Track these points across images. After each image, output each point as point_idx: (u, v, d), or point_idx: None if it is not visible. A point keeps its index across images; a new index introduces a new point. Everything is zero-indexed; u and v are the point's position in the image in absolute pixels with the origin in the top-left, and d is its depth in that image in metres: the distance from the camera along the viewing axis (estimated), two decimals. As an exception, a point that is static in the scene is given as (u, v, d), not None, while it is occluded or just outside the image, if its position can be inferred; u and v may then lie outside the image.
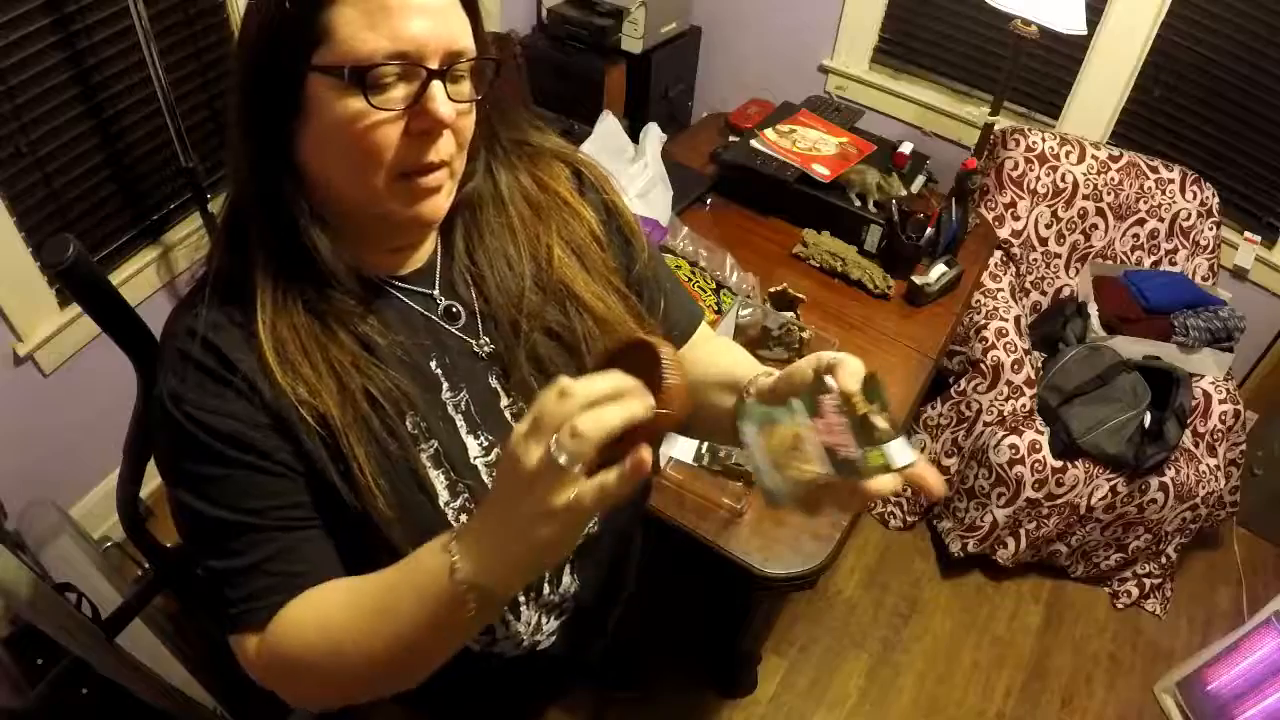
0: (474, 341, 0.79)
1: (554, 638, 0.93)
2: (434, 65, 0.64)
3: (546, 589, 0.88)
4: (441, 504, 0.74)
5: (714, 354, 0.92)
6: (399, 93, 0.64)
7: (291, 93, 0.64)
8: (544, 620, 0.90)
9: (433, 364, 0.76)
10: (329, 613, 0.66)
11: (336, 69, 0.62)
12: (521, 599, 0.86)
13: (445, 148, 0.68)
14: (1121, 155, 2.32)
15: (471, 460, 0.77)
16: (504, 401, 0.80)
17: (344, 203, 0.70)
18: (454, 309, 0.79)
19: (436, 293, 0.78)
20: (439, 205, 0.70)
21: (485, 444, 0.78)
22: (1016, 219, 2.31)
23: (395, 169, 0.66)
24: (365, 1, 0.61)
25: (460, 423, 0.77)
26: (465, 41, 0.66)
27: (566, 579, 0.89)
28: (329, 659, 0.65)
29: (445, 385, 0.77)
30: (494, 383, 0.79)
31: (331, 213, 0.71)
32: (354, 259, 0.73)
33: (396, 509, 0.70)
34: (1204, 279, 2.33)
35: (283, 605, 0.67)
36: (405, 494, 0.72)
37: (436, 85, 0.64)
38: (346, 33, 0.62)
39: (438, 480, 0.74)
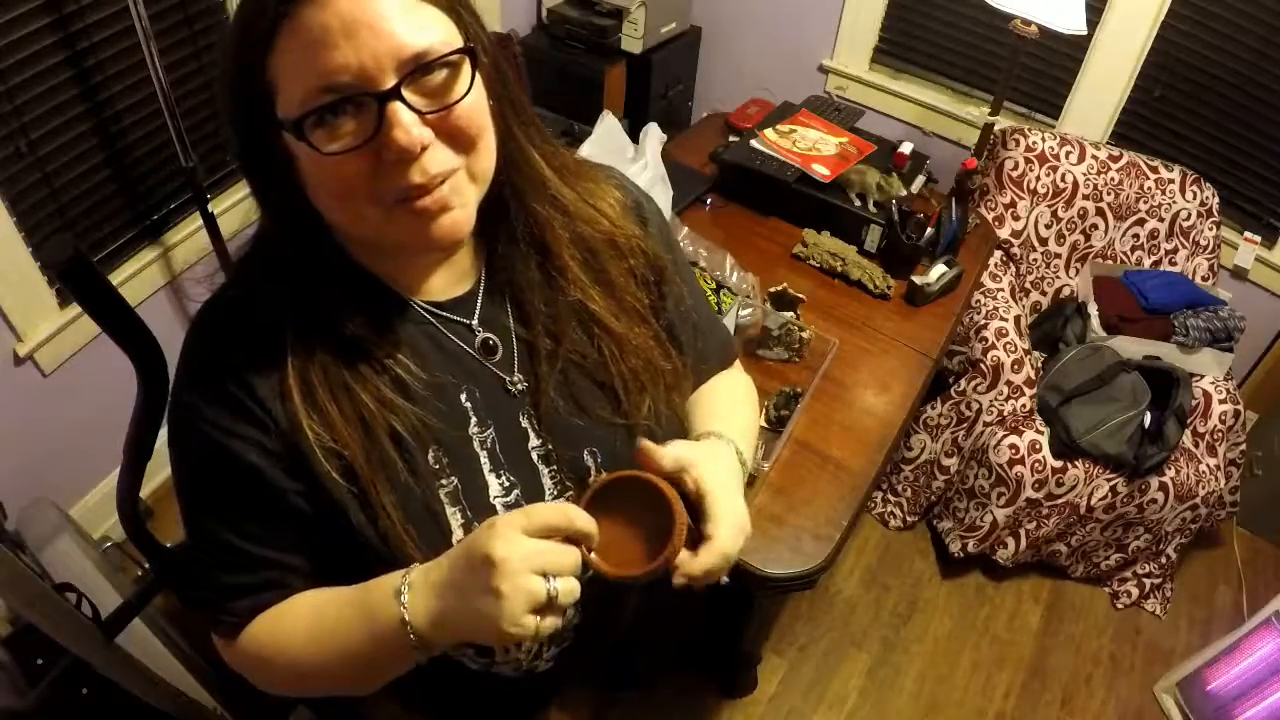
0: (508, 378, 0.76)
1: (552, 663, 0.93)
2: (386, 84, 0.56)
3: None
4: (454, 541, 0.72)
5: (711, 400, 0.94)
6: (356, 127, 0.58)
7: (273, 147, 0.62)
8: (544, 649, 0.90)
9: (462, 397, 0.74)
10: (286, 630, 0.72)
11: (285, 121, 0.58)
12: None
13: (437, 161, 0.61)
14: (1121, 155, 2.32)
15: (490, 500, 0.74)
16: (533, 442, 0.77)
17: (354, 236, 0.68)
18: (491, 342, 0.76)
19: (475, 323, 0.75)
20: (455, 222, 0.64)
21: (506, 484, 0.75)
22: (1016, 219, 2.31)
23: (385, 200, 0.61)
24: (292, 42, 0.56)
25: (484, 460, 0.74)
26: (423, 41, 0.58)
27: (570, 612, 0.88)
28: (283, 666, 0.73)
29: (473, 420, 0.74)
30: (524, 422, 0.77)
31: (360, 241, 0.69)
32: (394, 282, 0.72)
33: (419, 552, 0.70)
34: (1204, 279, 2.33)
35: (251, 621, 0.73)
36: (421, 532, 0.71)
37: (394, 108, 0.57)
38: (286, 82, 0.58)
39: (453, 518, 0.72)
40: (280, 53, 0.57)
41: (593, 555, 0.64)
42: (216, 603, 0.73)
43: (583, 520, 0.62)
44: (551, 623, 0.60)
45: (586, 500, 0.67)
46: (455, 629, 0.63)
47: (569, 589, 0.60)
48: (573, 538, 0.63)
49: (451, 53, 0.60)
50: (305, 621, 0.71)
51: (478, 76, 0.62)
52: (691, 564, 0.68)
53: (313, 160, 0.59)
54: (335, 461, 0.67)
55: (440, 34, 0.59)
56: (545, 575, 0.60)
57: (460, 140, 0.62)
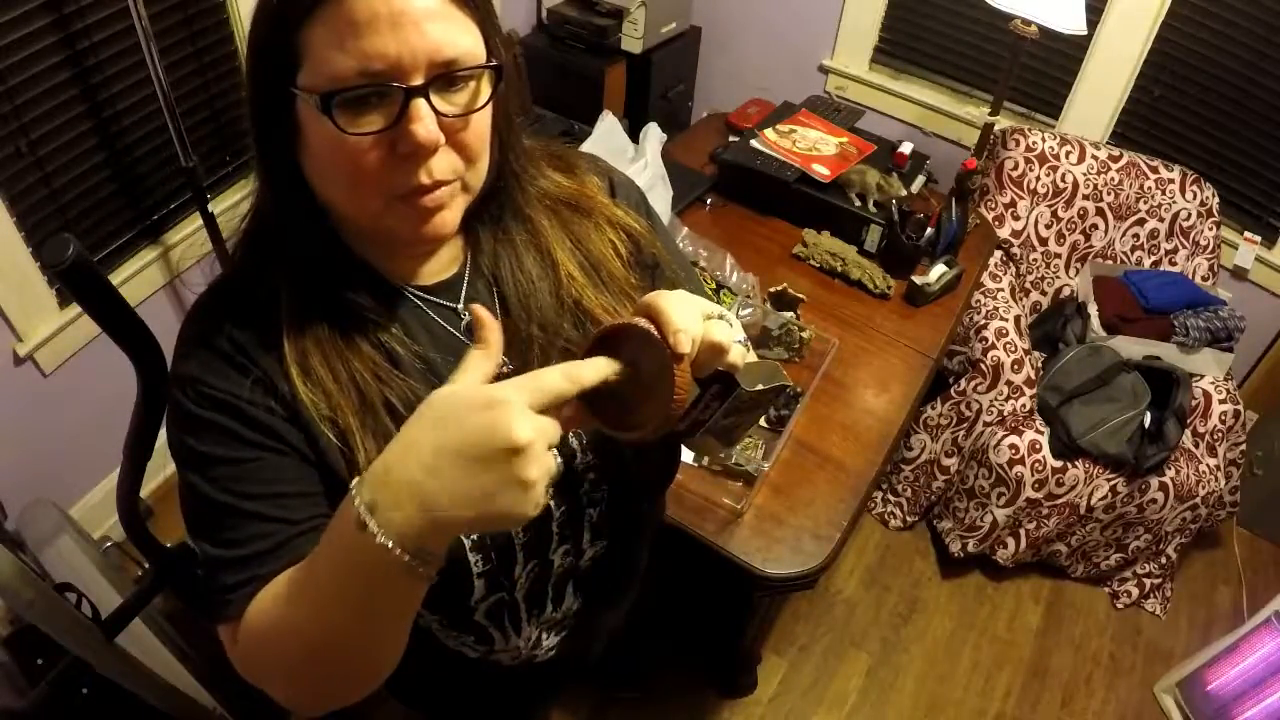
0: None
1: (552, 651, 0.93)
2: (415, 80, 0.59)
3: (550, 608, 0.87)
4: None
5: None
6: (376, 115, 0.59)
7: (284, 115, 0.63)
8: (544, 637, 0.90)
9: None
10: (272, 595, 0.63)
11: (310, 93, 0.59)
12: (524, 617, 0.86)
13: (443, 166, 0.63)
14: (1121, 155, 2.32)
15: None
16: None
17: (350, 220, 0.69)
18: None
19: (460, 307, 0.76)
20: (445, 222, 0.67)
21: None
22: (1016, 219, 2.31)
23: (388, 192, 0.63)
24: (335, 18, 0.57)
25: None
26: (458, 48, 0.60)
27: (569, 598, 0.88)
28: (279, 642, 0.62)
29: None
30: None
31: (348, 225, 0.70)
32: (381, 267, 0.73)
33: None
34: (1204, 279, 2.33)
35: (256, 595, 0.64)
36: None
37: (418, 104, 0.59)
38: (318, 54, 0.58)
39: None
40: (319, 25, 0.58)
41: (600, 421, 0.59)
42: (223, 581, 0.65)
43: (590, 376, 0.56)
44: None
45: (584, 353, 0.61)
46: (466, 527, 0.54)
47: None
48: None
49: (481, 66, 0.63)
50: (287, 580, 0.63)
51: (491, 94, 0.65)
52: (672, 322, 0.59)
53: (330, 139, 0.60)
54: (332, 429, 0.67)
55: (470, 45, 0.62)
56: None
57: (465, 152, 0.65)
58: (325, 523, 0.64)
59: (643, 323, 0.59)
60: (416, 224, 0.65)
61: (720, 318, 0.64)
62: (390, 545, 0.52)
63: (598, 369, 0.57)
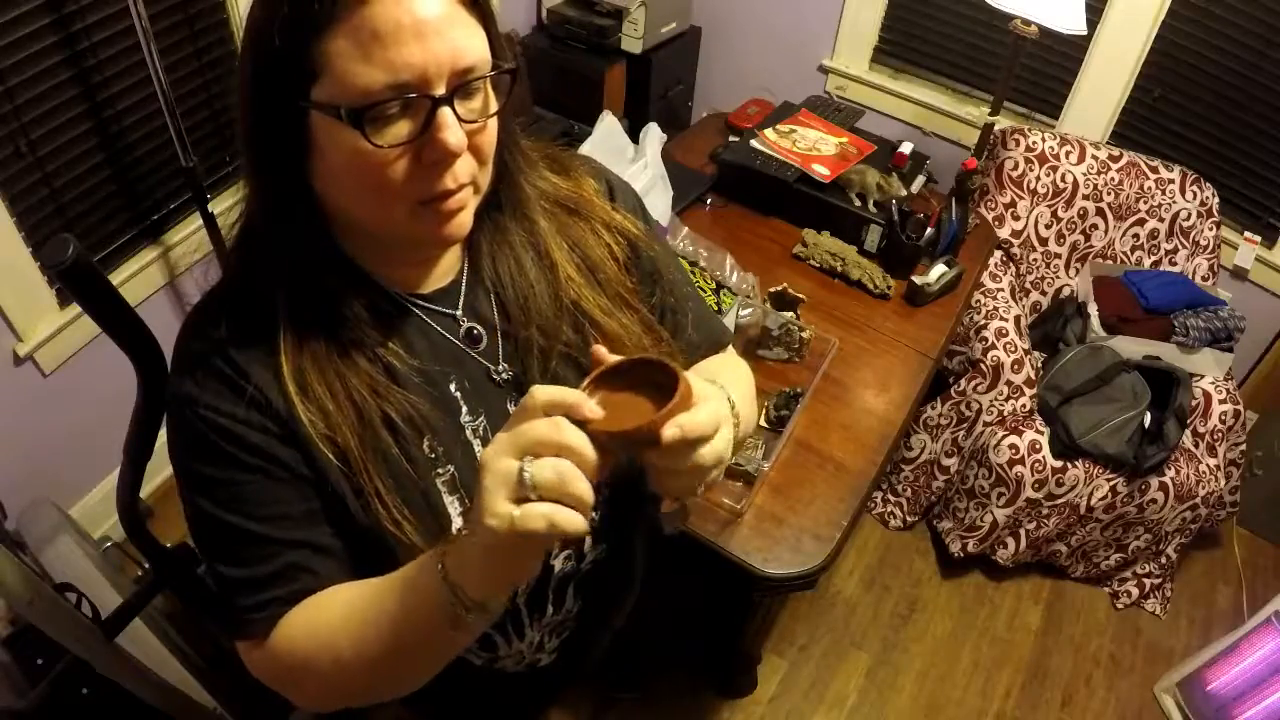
0: (493, 367, 0.78)
1: (555, 655, 0.93)
2: (440, 90, 0.59)
3: (550, 610, 0.88)
4: (454, 529, 0.73)
5: (697, 369, 0.90)
6: (404, 125, 0.60)
7: (295, 129, 0.62)
8: (546, 640, 0.91)
9: (452, 386, 0.75)
10: (326, 622, 0.67)
11: (333, 107, 0.58)
12: (526, 621, 0.86)
13: (464, 170, 0.64)
14: (1121, 155, 2.32)
15: None
16: None
17: (365, 228, 0.69)
18: (475, 331, 0.77)
19: (459, 313, 0.77)
20: (463, 224, 0.68)
21: None
22: (1016, 219, 2.31)
23: (413, 199, 0.63)
24: (356, 30, 0.56)
25: (477, 448, 0.76)
26: (474, 55, 0.61)
27: (570, 600, 0.89)
28: (326, 666, 0.66)
29: (464, 409, 0.76)
30: (511, 409, 0.78)
31: (352, 233, 0.70)
32: (379, 275, 0.73)
33: (418, 535, 0.70)
34: (1204, 279, 2.33)
35: (284, 615, 0.68)
36: (420, 520, 0.71)
37: (444, 112, 0.60)
38: (340, 66, 0.57)
39: (451, 506, 0.73)
40: (339, 37, 0.57)
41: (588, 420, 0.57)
42: (241, 602, 0.68)
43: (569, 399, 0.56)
44: (532, 514, 0.52)
45: (587, 386, 0.61)
46: (472, 556, 0.57)
47: (543, 467, 0.52)
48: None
49: (500, 71, 0.64)
50: (343, 606, 0.67)
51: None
52: (688, 418, 0.57)
53: (352, 151, 0.60)
54: (331, 448, 0.68)
55: (481, 49, 0.62)
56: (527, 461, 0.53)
57: (479, 154, 0.66)
58: (330, 541, 0.70)
59: (684, 384, 0.57)
60: (438, 227, 0.66)
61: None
62: (441, 566, 0.58)
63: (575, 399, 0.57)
